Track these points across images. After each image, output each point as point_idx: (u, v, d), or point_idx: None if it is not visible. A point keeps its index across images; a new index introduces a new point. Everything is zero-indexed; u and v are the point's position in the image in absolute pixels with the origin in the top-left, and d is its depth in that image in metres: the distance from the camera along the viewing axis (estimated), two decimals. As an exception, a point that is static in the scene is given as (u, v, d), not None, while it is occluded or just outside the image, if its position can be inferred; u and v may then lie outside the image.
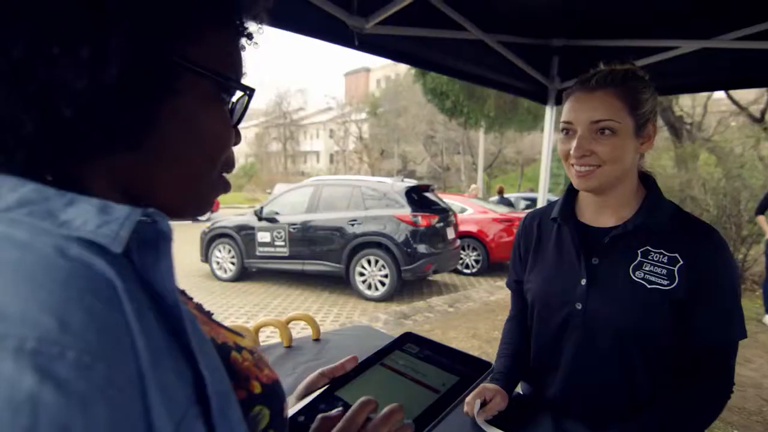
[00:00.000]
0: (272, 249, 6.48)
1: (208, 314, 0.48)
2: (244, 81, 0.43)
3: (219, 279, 6.93)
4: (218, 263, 6.97)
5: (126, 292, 0.28)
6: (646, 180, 1.03)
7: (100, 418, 0.23)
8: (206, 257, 7.06)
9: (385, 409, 0.52)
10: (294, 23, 1.65)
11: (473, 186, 11.55)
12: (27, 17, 0.28)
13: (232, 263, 6.85)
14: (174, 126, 0.36)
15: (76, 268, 0.26)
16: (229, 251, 6.86)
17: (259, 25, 0.44)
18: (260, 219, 6.56)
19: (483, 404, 1.00)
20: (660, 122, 9.31)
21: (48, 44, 0.28)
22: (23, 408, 0.21)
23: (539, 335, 1.09)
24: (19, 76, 0.28)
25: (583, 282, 0.99)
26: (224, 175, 0.44)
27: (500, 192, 10.84)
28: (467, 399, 1.00)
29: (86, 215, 0.29)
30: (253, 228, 6.58)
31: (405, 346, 0.76)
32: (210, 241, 6.99)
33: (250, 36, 0.44)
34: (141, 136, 0.34)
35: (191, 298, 0.47)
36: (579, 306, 0.99)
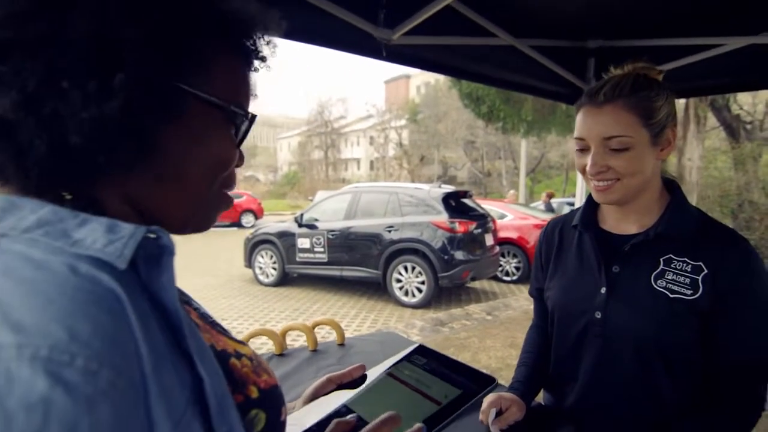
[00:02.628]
0: (312, 255, 6.62)
1: (213, 323, 0.50)
2: (252, 102, 0.45)
3: (261, 284, 7.14)
4: (261, 268, 7.19)
5: (131, 304, 0.31)
6: (671, 185, 0.99)
7: (104, 417, 0.26)
8: (249, 263, 7.30)
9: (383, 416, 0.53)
10: (322, 37, 1.71)
11: (511, 192, 11.47)
12: (40, 56, 0.31)
13: (274, 268, 7.05)
14: (178, 148, 0.39)
15: (85, 284, 0.29)
16: (271, 257, 7.06)
17: (273, 50, 0.46)
18: (300, 225, 6.73)
19: (498, 413, 0.99)
20: (715, 122, 8.78)
21: (58, 79, 0.31)
22: (36, 408, 0.24)
23: (559, 344, 1.08)
24: (32, 106, 0.31)
25: (603, 290, 0.96)
26: (226, 191, 0.46)
27: (549, 197, 10.35)
28: (482, 407, 0.99)
29: (95, 234, 0.32)
30: (293, 234, 6.75)
31: (413, 357, 0.78)
32: (253, 247, 7.23)
33: (263, 59, 0.45)
34: (145, 158, 0.37)
35: (196, 308, 0.50)
36: (599, 315, 0.97)
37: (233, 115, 0.42)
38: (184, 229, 0.43)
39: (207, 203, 0.43)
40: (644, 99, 0.89)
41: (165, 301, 0.35)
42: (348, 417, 0.57)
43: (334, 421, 0.56)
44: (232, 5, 0.41)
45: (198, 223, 0.44)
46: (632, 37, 2.26)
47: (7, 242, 0.31)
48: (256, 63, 0.45)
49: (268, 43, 0.45)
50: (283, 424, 0.49)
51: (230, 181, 0.45)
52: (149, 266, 0.35)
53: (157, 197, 0.40)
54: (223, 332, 0.50)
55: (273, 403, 0.47)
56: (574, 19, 2.19)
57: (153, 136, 0.36)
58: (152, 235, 0.35)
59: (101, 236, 0.32)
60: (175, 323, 0.35)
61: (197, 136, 0.40)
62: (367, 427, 0.53)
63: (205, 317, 0.50)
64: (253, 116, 0.45)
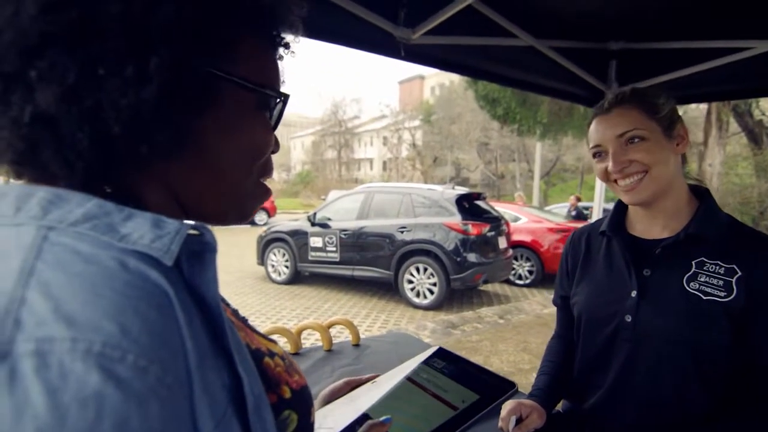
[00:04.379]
0: (324, 254, 6.63)
1: (244, 320, 0.50)
2: (282, 87, 0.45)
3: (273, 282, 7.18)
4: (273, 266, 7.23)
5: (178, 300, 0.31)
6: (698, 192, 0.99)
7: (153, 413, 0.25)
8: (262, 260, 7.34)
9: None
10: (342, 37, 1.71)
11: (517, 194, 11.47)
12: (75, 46, 0.31)
13: (286, 267, 7.08)
14: (214, 135, 0.39)
15: (135, 280, 0.29)
16: (284, 255, 7.10)
17: (295, 36, 0.46)
18: (313, 224, 6.75)
19: (518, 421, 0.97)
20: (736, 128, 8.59)
21: (95, 67, 0.31)
22: (89, 403, 0.24)
23: (586, 349, 1.06)
24: (73, 98, 0.31)
25: (634, 294, 0.96)
26: (263, 181, 0.46)
27: (578, 200, 9.76)
28: (502, 415, 0.98)
29: (142, 230, 0.32)
30: (306, 233, 6.77)
31: (432, 360, 0.77)
32: (266, 245, 7.27)
33: (287, 46, 0.45)
34: (183, 146, 0.37)
35: (228, 305, 0.50)
36: (629, 318, 0.96)
37: (266, 99, 0.42)
38: (225, 220, 0.43)
39: (245, 192, 0.43)
40: (645, 98, 0.95)
41: (207, 299, 0.35)
42: (382, 419, 0.56)
43: (368, 423, 0.55)
44: None
45: (237, 214, 0.44)
46: (656, 39, 2.22)
47: (56, 235, 0.30)
48: (281, 50, 0.45)
49: (290, 28, 0.45)
50: (312, 426, 0.49)
51: (267, 170, 0.45)
52: (192, 263, 0.35)
53: (195, 187, 0.40)
54: (254, 330, 0.50)
55: (304, 404, 0.47)
56: (596, 21, 2.15)
57: (189, 122, 0.36)
58: (195, 232, 0.35)
59: (148, 231, 0.32)
60: (217, 321, 0.35)
61: (232, 122, 0.40)
62: None
63: (236, 314, 0.50)
64: (287, 96, 0.44)
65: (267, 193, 0.46)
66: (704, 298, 0.88)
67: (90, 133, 0.32)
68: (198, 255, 0.35)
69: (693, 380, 0.90)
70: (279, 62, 0.45)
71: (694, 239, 0.92)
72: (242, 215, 0.44)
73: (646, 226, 1.01)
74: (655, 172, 0.91)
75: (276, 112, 0.45)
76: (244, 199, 0.43)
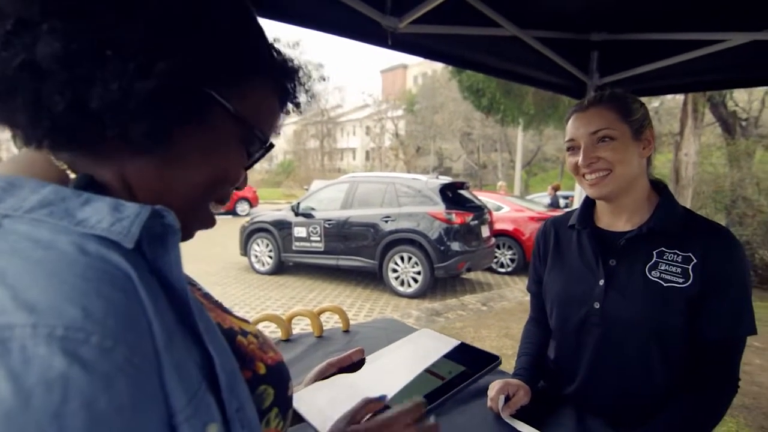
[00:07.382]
0: (308, 244, 6.62)
1: (217, 303, 0.51)
2: (272, 136, 0.46)
3: (257, 272, 7.14)
4: (257, 257, 7.18)
5: (141, 282, 0.31)
6: (658, 186, 1.07)
7: (122, 392, 0.26)
8: (245, 251, 7.29)
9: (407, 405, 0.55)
10: (328, 24, 1.70)
11: (500, 183, 11.61)
12: (98, 20, 0.32)
13: (270, 257, 7.04)
14: (190, 149, 0.39)
15: (95, 263, 0.30)
16: (267, 245, 7.05)
17: (309, 99, 0.48)
18: (297, 214, 6.71)
19: (507, 399, 1.02)
20: (711, 118, 8.83)
21: (105, 46, 0.32)
22: (55, 385, 0.24)
23: (559, 335, 1.13)
24: (69, 62, 0.32)
25: (602, 282, 1.03)
26: (213, 209, 0.45)
27: (555, 189, 9.85)
28: (491, 395, 1.03)
29: (100, 214, 0.32)
30: (289, 223, 6.74)
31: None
32: (249, 235, 7.21)
33: (297, 105, 0.47)
34: (154, 147, 0.37)
35: (200, 288, 0.51)
36: (597, 305, 1.03)
37: (252, 137, 0.43)
38: None
39: (195, 212, 0.43)
40: (621, 101, 1.02)
41: (172, 281, 0.35)
42: (377, 396, 0.58)
43: (363, 399, 0.57)
44: (282, 55, 0.44)
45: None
46: (636, 30, 2.26)
47: (11, 223, 0.30)
48: (290, 106, 0.47)
49: (307, 92, 0.47)
50: (290, 399, 0.51)
51: (225, 198, 0.45)
52: (154, 246, 0.35)
53: (153, 190, 0.39)
54: (227, 311, 0.52)
55: (280, 379, 0.49)
56: (579, 11, 2.18)
57: (169, 127, 0.36)
58: (156, 215, 0.35)
59: (107, 215, 0.32)
60: (184, 302, 0.35)
61: (212, 144, 0.40)
62: (393, 412, 0.55)
63: (208, 297, 0.51)
64: (271, 145, 0.46)
65: (212, 221, 0.46)
66: (665, 285, 0.96)
67: (69, 99, 0.32)
68: (160, 237, 0.35)
69: (657, 360, 0.97)
70: (279, 113, 0.47)
71: (654, 232, 1.00)
72: (183, 234, 0.43)
73: (612, 220, 1.08)
74: (619, 170, 0.98)
75: (256, 155, 0.45)
76: (190, 217, 0.42)
